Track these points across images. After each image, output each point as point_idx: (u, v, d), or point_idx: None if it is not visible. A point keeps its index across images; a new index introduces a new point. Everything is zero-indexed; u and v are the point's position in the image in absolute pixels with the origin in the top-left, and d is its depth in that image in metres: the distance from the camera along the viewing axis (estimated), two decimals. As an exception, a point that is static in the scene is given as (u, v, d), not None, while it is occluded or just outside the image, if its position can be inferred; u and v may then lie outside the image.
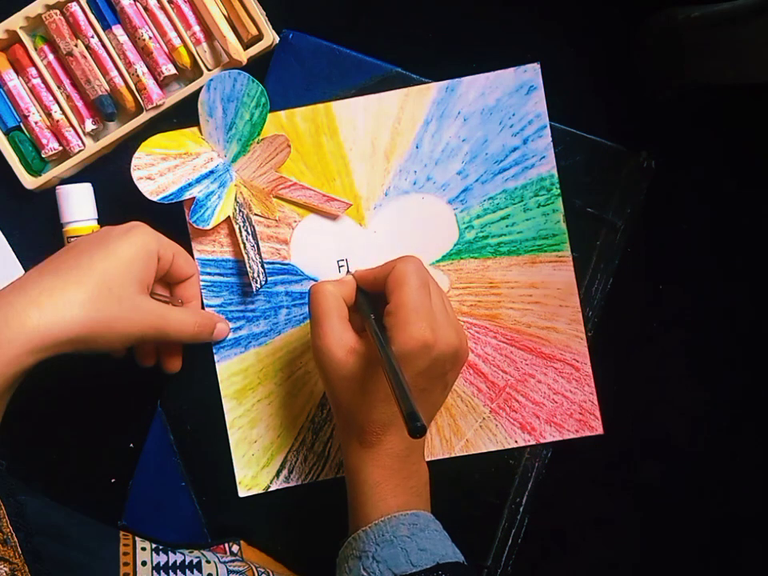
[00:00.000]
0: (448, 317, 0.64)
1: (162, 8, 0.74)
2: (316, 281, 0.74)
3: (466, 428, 0.73)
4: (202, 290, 0.74)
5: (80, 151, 0.75)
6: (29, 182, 0.75)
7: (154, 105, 0.74)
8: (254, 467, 0.74)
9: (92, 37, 0.73)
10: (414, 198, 0.74)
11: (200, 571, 0.66)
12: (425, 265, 0.68)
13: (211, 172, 0.72)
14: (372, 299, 0.67)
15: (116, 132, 0.75)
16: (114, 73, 0.74)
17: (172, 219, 0.72)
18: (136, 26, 0.73)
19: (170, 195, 0.71)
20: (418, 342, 0.60)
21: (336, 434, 0.74)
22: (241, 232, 0.72)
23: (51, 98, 0.74)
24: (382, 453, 0.63)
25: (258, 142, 0.72)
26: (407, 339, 0.60)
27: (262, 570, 0.69)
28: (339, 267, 0.74)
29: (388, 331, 0.61)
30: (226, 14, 0.74)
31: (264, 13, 0.74)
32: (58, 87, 0.74)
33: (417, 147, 0.74)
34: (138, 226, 0.67)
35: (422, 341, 0.60)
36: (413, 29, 0.77)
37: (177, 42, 0.74)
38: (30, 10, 0.73)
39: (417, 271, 0.63)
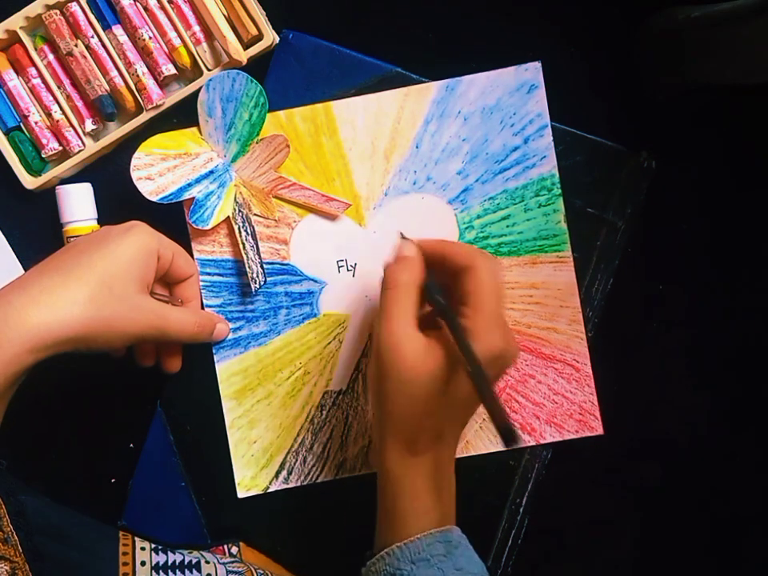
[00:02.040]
0: (508, 325, 0.63)
1: (162, 8, 0.74)
2: (316, 281, 0.74)
3: (466, 429, 0.73)
4: (202, 290, 0.74)
5: (80, 151, 0.75)
6: (29, 182, 0.75)
7: (154, 105, 0.74)
8: (254, 468, 0.74)
9: (92, 37, 0.73)
10: (414, 198, 0.74)
11: (199, 571, 0.65)
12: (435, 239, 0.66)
13: (211, 172, 0.72)
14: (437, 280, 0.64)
15: (116, 132, 0.75)
16: (114, 73, 0.74)
17: (172, 219, 0.72)
18: (136, 26, 0.73)
19: (170, 195, 0.71)
20: (494, 352, 0.58)
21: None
22: (240, 232, 0.72)
23: (51, 98, 0.74)
24: (428, 461, 0.61)
25: (257, 142, 0.72)
26: (488, 348, 0.58)
27: (261, 572, 0.69)
28: (339, 267, 0.74)
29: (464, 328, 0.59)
30: (225, 13, 0.74)
31: (264, 13, 0.74)
32: (58, 87, 0.74)
33: (417, 147, 0.74)
34: (138, 225, 0.67)
35: (499, 351, 0.59)
36: (413, 29, 0.77)
37: (177, 41, 0.74)
38: (30, 10, 0.73)
39: (497, 275, 0.61)
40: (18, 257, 0.77)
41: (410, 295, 0.61)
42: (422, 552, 0.59)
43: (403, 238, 0.65)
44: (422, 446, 0.61)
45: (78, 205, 0.74)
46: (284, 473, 0.74)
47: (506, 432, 0.51)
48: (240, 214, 0.72)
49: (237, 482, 0.74)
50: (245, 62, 0.73)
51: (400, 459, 0.62)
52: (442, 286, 0.63)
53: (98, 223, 0.75)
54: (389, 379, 0.60)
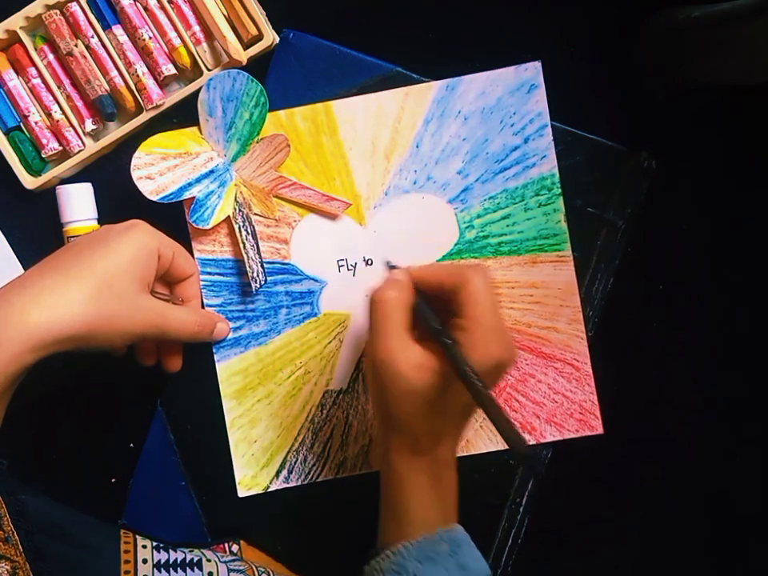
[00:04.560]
0: (506, 331, 0.63)
1: (162, 8, 0.74)
2: (316, 280, 0.74)
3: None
4: (202, 290, 0.74)
5: (80, 151, 0.75)
6: (29, 181, 0.75)
7: (154, 105, 0.74)
8: (254, 467, 0.74)
9: (92, 37, 0.73)
10: (414, 197, 0.74)
11: (200, 569, 0.65)
12: (425, 264, 0.68)
13: (211, 171, 0.72)
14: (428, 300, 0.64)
15: (116, 132, 0.75)
16: (114, 73, 0.74)
17: (172, 219, 0.72)
18: (136, 26, 0.73)
19: (170, 195, 0.71)
20: (495, 361, 0.59)
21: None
22: (240, 231, 0.72)
23: (51, 98, 0.74)
24: (432, 461, 0.62)
25: (257, 142, 0.72)
26: (486, 358, 0.58)
27: (263, 570, 0.69)
28: (339, 267, 0.74)
29: (459, 345, 0.59)
30: (226, 13, 0.74)
31: (264, 13, 0.74)
32: (58, 87, 0.74)
33: (417, 146, 0.74)
34: (138, 224, 0.67)
35: (499, 359, 0.59)
36: (413, 28, 0.77)
37: (177, 41, 0.74)
38: (30, 10, 0.73)
39: (490, 286, 0.61)
40: (18, 257, 0.77)
41: (399, 309, 0.61)
42: (429, 551, 0.60)
43: (391, 267, 0.66)
44: (424, 445, 0.62)
45: (78, 205, 0.74)
46: (284, 472, 0.74)
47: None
48: (240, 213, 0.72)
49: (237, 481, 0.74)
50: (245, 62, 0.73)
51: (404, 458, 0.62)
52: (435, 309, 0.63)
53: (99, 223, 0.75)
54: (387, 391, 0.60)
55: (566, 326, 0.74)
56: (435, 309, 0.62)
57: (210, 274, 0.74)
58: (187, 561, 0.66)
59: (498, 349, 0.59)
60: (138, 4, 0.73)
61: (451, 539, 0.61)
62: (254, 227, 0.73)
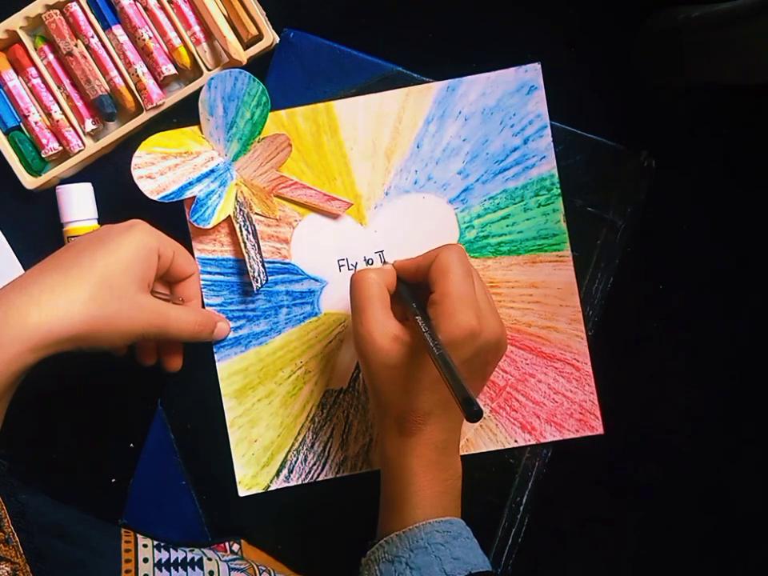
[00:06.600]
0: (490, 306, 0.65)
1: (162, 8, 0.74)
2: (317, 280, 0.74)
3: (466, 427, 0.73)
4: (203, 289, 0.74)
5: (80, 151, 0.75)
6: (29, 181, 0.74)
7: (154, 105, 0.74)
8: (254, 467, 0.74)
9: (92, 37, 0.73)
10: (415, 197, 0.74)
11: (201, 568, 0.65)
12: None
13: (212, 171, 0.72)
14: (412, 289, 0.67)
15: (116, 132, 0.75)
16: (114, 73, 0.74)
17: (172, 218, 0.72)
18: (136, 26, 0.73)
19: (171, 194, 0.71)
20: (464, 331, 0.60)
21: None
22: (241, 231, 0.72)
23: (51, 98, 0.74)
24: (421, 443, 0.63)
25: (258, 141, 0.72)
26: (454, 328, 0.60)
27: (264, 569, 0.69)
28: (340, 266, 0.74)
29: (433, 320, 0.61)
30: (226, 13, 0.74)
31: (264, 12, 0.74)
32: (58, 87, 0.74)
33: (417, 147, 0.74)
34: (138, 223, 0.67)
35: (469, 329, 0.60)
36: (413, 28, 0.77)
37: (177, 42, 0.74)
38: (30, 10, 0.73)
39: (461, 260, 0.63)
40: (18, 257, 0.76)
41: (378, 287, 0.65)
42: (420, 540, 0.60)
43: (383, 263, 0.74)
44: (411, 425, 0.63)
45: (79, 204, 0.74)
46: (285, 471, 0.74)
47: (468, 407, 0.51)
48: (241, 213, 0.72)
49: (238, 480, 0.74)
50: (245, 61, 0.73)
51: (393, 441, 0.64)
52: (417, 293, 0.66)
53: (99, 223, 0.75)
54: (369, 365, 0.63)
55: (566, 325, 0.74)
56: (417, 293, 0.66)
57: (210, 273, 0.74)
58: (188, 560, 0.66)
59: (466, 318, 0.60)
60: (137, 4, 0.73)
61: (446, 530, 0.61)
62: (254, 227, 0.73)
